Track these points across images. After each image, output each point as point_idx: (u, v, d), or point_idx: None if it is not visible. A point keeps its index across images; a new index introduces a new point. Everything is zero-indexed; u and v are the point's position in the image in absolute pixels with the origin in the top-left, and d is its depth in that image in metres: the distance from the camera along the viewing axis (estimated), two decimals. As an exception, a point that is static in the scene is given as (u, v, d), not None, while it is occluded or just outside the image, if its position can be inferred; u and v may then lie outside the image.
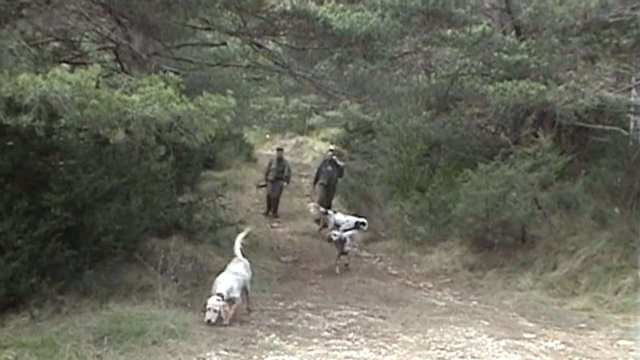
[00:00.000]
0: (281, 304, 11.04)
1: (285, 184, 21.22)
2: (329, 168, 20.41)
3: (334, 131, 30.47)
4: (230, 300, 9.21)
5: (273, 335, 8.93)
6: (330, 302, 11.32)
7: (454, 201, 15.22)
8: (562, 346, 8.84)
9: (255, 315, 10.00)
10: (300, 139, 31.90)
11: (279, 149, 22.80)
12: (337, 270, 14.38)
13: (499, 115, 16.11)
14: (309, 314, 10.39)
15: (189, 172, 14.70)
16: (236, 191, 20.65)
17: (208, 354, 7.91)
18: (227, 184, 16.73)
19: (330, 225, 17.29)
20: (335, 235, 14.79)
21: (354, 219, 16.72)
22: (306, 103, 25.75)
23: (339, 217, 17.38)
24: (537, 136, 14.67)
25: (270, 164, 21.40)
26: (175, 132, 8.48)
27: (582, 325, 10.20)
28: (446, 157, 18.25)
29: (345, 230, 15.79)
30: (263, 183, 21.61)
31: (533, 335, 9.35)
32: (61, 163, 9.64)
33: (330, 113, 28.54)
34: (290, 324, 9.80)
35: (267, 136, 30.60)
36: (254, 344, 8.54)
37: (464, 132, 17.30)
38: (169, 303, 9.22)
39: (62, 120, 8.28)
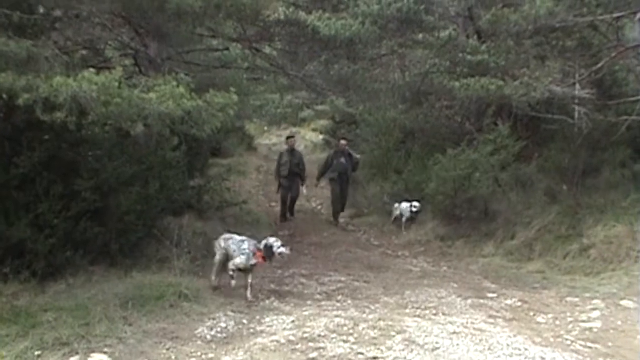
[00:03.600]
0: (279, 271, 11.07)
1: (306, 185, 17.22)
2: (342, 160, 16.96)
3: (323, 123, 30.41)
4: None
5: (273, 299, 9.03)
6: (321, 270, 11.37)
7: (427, 182, 15.27)
8: (520, 303, 8.97)
9: (258, 282, 10.05)
10: (294, 130, 31.74)
11: (290, 137, 17.99)
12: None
13: (464, 108, 16.10)
14: (304, 280, 10.46)
15: (198, 160, 14.62)
16: (239, 176, 20.51)
17: (217, 315, 7.98)
18: (231, 170, 16.67)
19: (393, 217, 16.28)
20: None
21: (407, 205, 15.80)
22: (298, 99, 25.50)
23: (404, 205, 15.80)
24: (497, 125, 14.74)
25: (280, 157, 17.22)
26: (187, 125, 8.50)
27: (536, 285, 10.31)
28: (420, 144, 18.23)
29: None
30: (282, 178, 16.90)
31: (495, 295, 9.46)
32: (90, 153, 9.72)
33: (319, 107, 28.36)
34: (287, 288, 9.89)
35: (265, 128, 30.49)
36: (256, 306, 8.64)
37: (435, 122, 17.35)
38: (183, 272, 9.23)
39: (90, 117, 8.29)
